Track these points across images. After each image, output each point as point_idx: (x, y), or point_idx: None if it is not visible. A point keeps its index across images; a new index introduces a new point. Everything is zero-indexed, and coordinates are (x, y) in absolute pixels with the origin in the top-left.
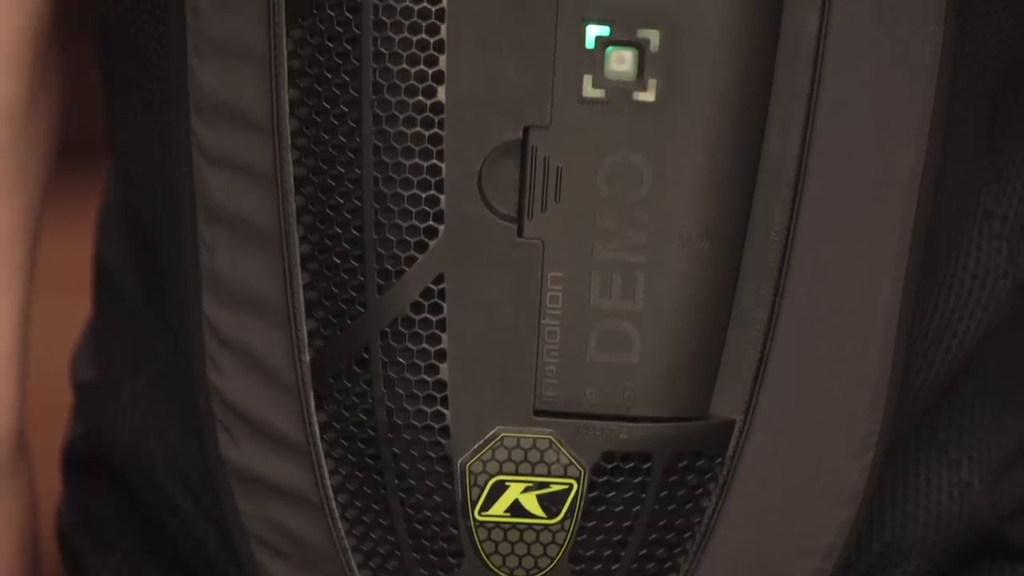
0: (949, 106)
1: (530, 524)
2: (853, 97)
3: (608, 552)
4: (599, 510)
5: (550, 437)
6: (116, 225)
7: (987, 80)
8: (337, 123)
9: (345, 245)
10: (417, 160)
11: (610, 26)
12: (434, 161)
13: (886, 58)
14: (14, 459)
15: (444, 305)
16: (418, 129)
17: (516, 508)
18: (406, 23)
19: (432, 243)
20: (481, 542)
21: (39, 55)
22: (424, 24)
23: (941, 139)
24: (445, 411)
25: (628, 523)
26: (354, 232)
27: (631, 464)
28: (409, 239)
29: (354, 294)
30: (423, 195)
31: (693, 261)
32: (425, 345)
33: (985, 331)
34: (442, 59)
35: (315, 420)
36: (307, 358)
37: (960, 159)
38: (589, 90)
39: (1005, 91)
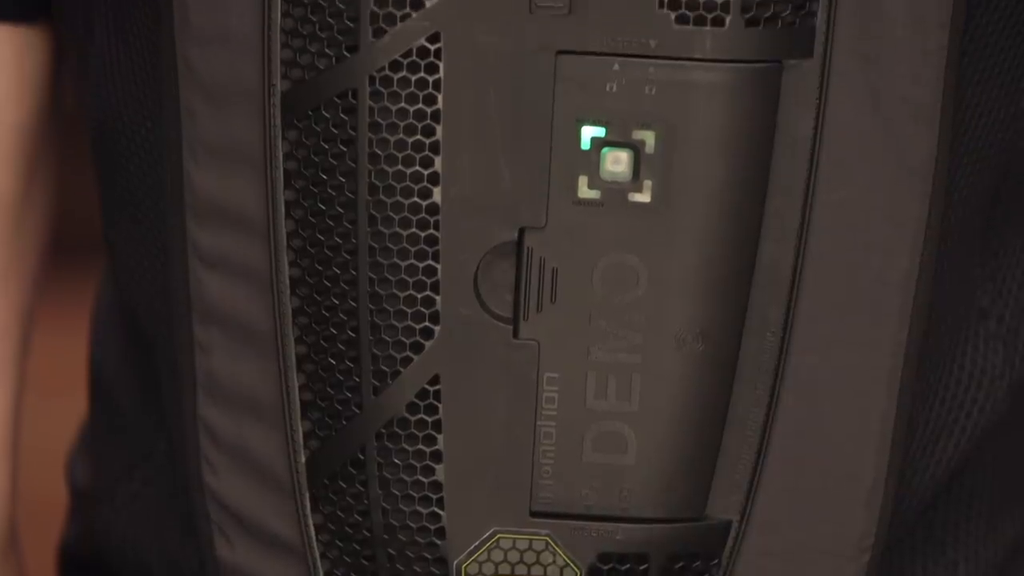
0: (945, 207)
1: None
2: (849, 198)
3: None
4: None
5: (546, 538)
6: (110, 325)
7: (983, 181)
8: (333, 224)
9: (340, 346)
10: (413, 261)
11: (605, 127)
12: (430, 262)
13: (882, 160)
14: (4, 554)
15: (440, 406)
16: (414, 230)
17: None
18: (402, 124)
19: (428, 344)
20: None
21: (33, 151)
22: (420, 125)
23: (937, 240)
24: (441, 512)
25: None
26: (350, 333)
27: (627, 565)
28: (405, 340)
29: (350, 395)
30: (419, 296)
31: (689, 362)
32: (421, 446)
33: (982, 432)
34: (438, 160)
35: (310, 521)
36: (302, 459)
37: (956, 259)
38: (584, 191)
39: (1001, 192)
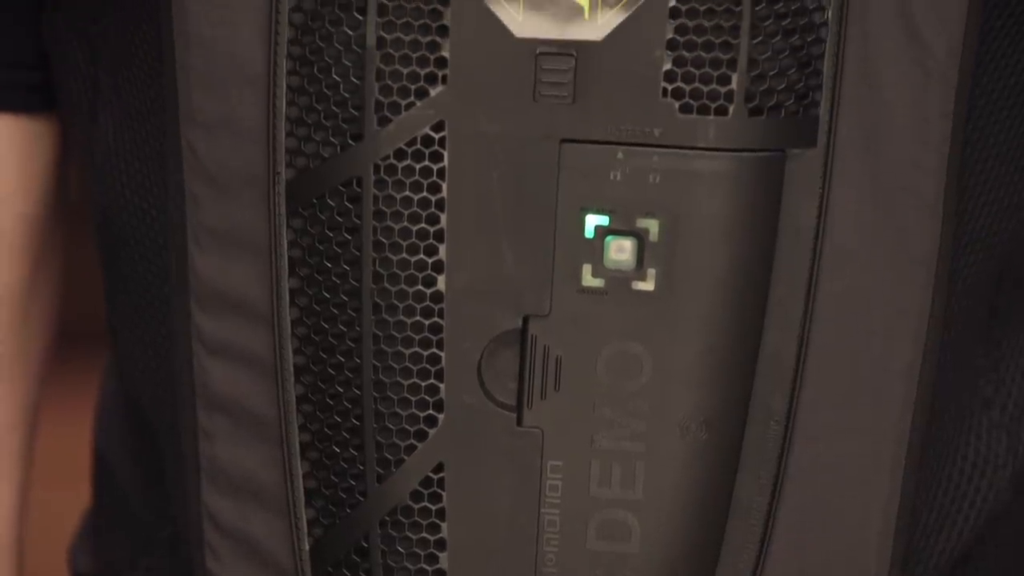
0: (948, 296)
1: None
2: (851, 287)
3: None
4: None
5: None
6: (114, 414)
7: (986, 270)
8: (337, 312)
9: (345, 434)
10: (417, 349)
11: (609, 216)
12: (434, 350)
13: (885, 249)
14: None
15: (444, 494)
16: (418, 318)
17: None
18: (406, 213)
19: (432, 432)
20: None
21: (39, 242)
22: (424, 214)
23: (940, 329)
24: None
25: None
26: (354, 421)
27: None
28: (409, 428)
29: (353, 483)
30: (423, 384)
31: (692, 451)
32: (425, 534)
33: (985, 521)
34: (442, 248)
35: None
36: (306, 547)
37: (959, 348)
38: (588, 279)
39: (1003, 281)
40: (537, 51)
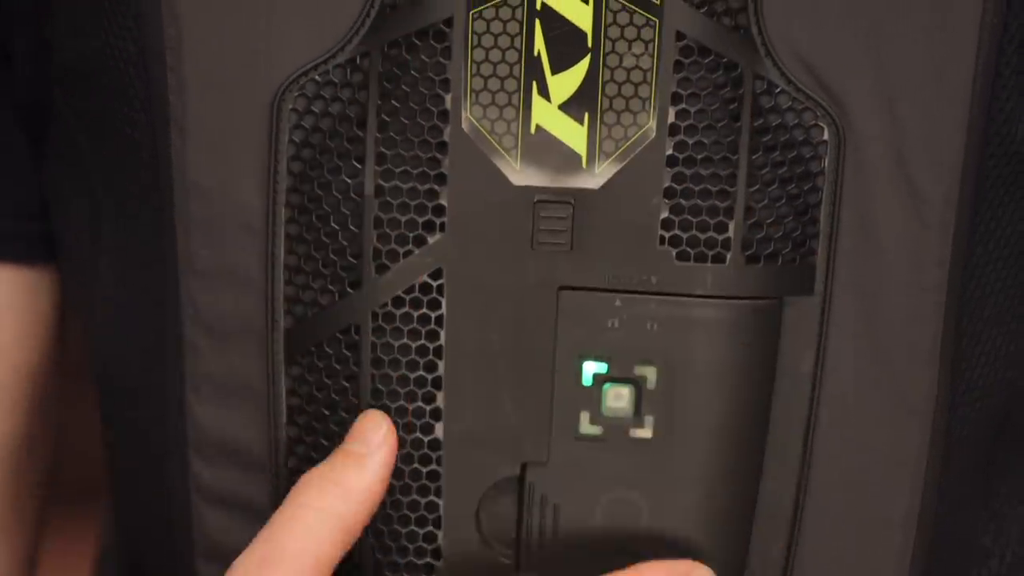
0: (946, 446)
1: None
2: (849, 436)
3: None
4: None
5: None
6: (113, 568)
7: (984, 419)
8: None
9: None
10: (415, 497)
11: (607, 363)
12: (432, 497)
13: (882, 398)
14: None
15: None
16: (416, 466)
17: None
18: (404, 360)
19: None
20: None
21: (36, 393)
22: (422, 361)
23: (937, 479)
24: None
25: None
26: (353, 569)
27: None
28: None
29: None
30: (420, 532)
31: None
32: None
33: None
34: (440, 396)
35: None
36: None
37: (958, 497)
38: (586, 427)
39: (1003, 431)
40: (535, 199)
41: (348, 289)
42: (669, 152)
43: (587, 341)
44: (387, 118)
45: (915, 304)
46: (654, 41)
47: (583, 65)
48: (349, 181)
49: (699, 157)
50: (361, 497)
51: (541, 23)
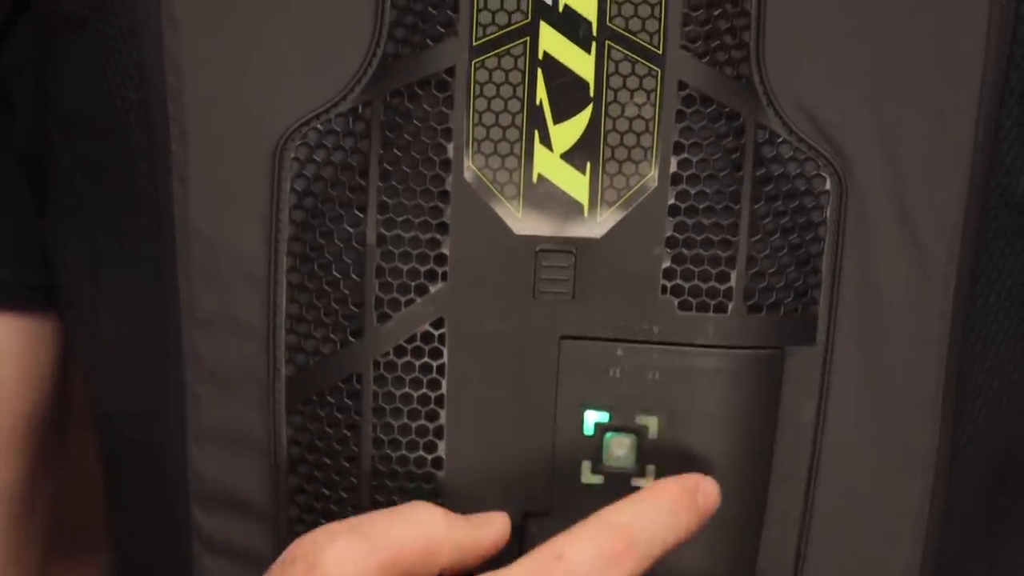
0: (947, 496)
1: None
2: (850, 485)
3: None
4: None
5: None
6: None
7: (986, 470)
8: (337, 510)
9: None
10: None
11: (609, 412)
12: None
13: (884, 448)
14: None
15: None
16: None
17: None
18: (405, 409)
19: None
20: None
21: (37, 442)
22: (423, 410)
23: (940, 529)
24: None
25: None
26: None
27: None
28: None
29: None
30: None
31: None
32: None
33: None
34: (441, 445)
35: None
36: None
37: (959, 546)
38: (588, 476)
39: (1006, 480)
40: (537, 248)
41: (350, 338)
42: (671, 201)
43: (589, 390)
44: (389, 167)
45: (917, 355)
46: (656, 91)
47: (585, 114)
48: (351, 230)
49: (701, 207)
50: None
51: (543, 72)
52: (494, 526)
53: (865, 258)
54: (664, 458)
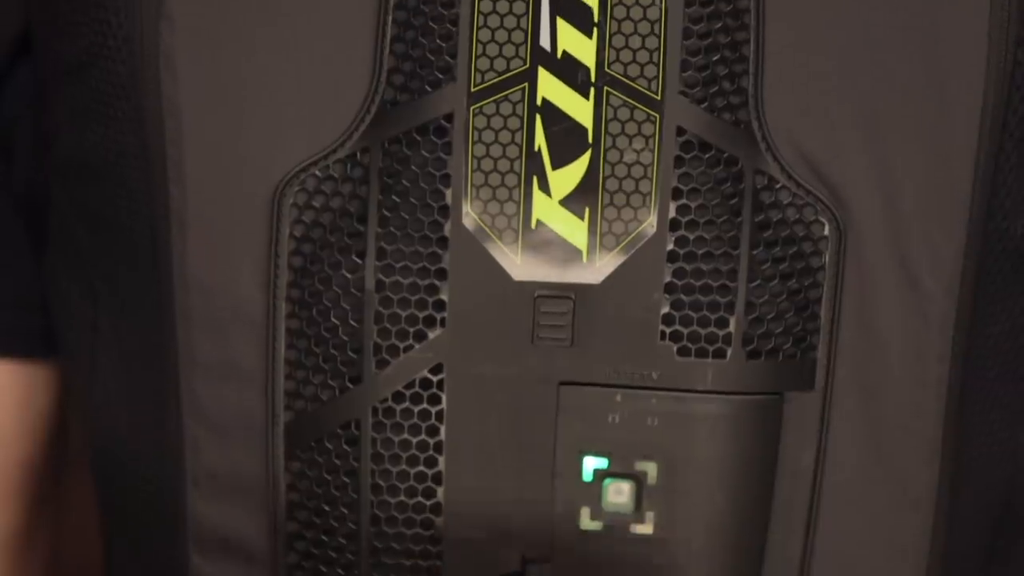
0: (947, 538)
1: None
2: (850, 529)
3: None
4: None
5: None
6: None
7: (985, 513)
8: (336, 556)
9: None
10: None
11: (608, 458)
12: None
13: (883, 492)
14: None
15: None
16: (416, 561)
17: None
18: (404, 455)
19: None
20: None
21: (36, 487)
22: (422, 456)
23: (939, 570)
24: None
25: None
26: None
27: None
28: None
29: None
30: None
31: None
32: None
33: None
34: (440, 491)
35: None
36: None
37: None
38: (587, 522)
39: (1004, 523)
40: (535, 294)
41: (348, 384)
42: (670, 247)
43: (588, 436)
44: (388, 213)
45: (916, 399)
46: (655, 136)
47: (584, 160)
48: (349, 276)
49: (700, 252)
50: None
51: (542, 118)
52: None
53: (864, 302)
54: (663, 504)
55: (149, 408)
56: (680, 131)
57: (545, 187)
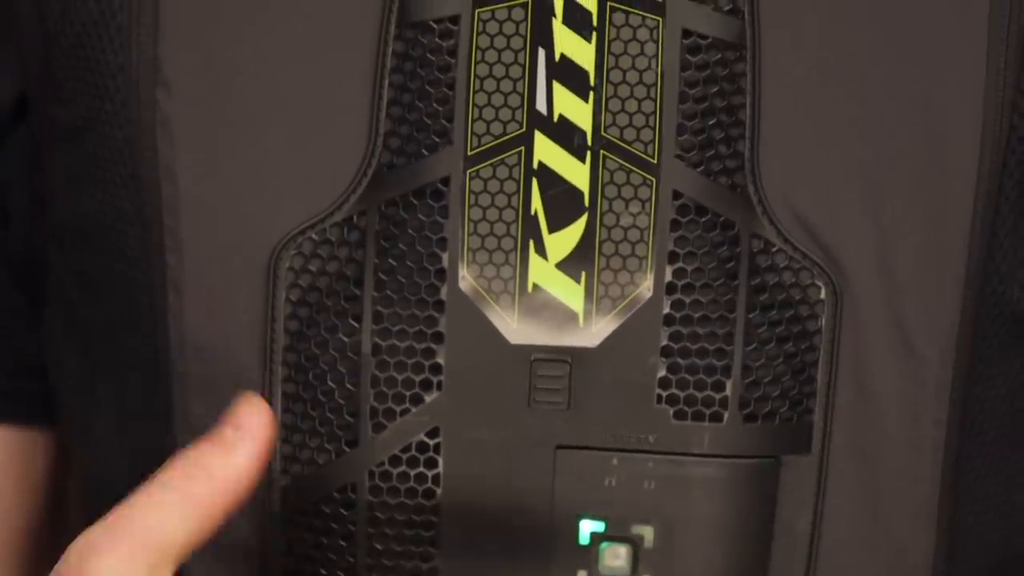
0: None
1: None
2: None
3: None
4: None
5: None
6: None
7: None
8: None
9: None
10: None
11: (604, 522)
12: None
13: (880, 557)
14: None
15: None
16: None
17: None
18: (401, 519)
19: None
20: None
21: (35, 553)
22: (419, 520)
23: None
24: None
25: None
26: None
27: None
28: None
29: None
30: None
31: None
32: None
33: None
34: (437, 555)
35: None
36: None
37: None
38: None
39: None
40: (532, 357)
41: (345, 448)
42: (666, 311)
43: (584, 500)
44: (384, 276)
45: (913, 463)
46: (651, 200)
47: (580, 224)
48: (346, 340)
49: (696, 316)
50: (224, 485)
51: (538, 182)
52: (246, 443)
53: (860, 366)
54: (660, 567)
55: (145, 470)
56: (676, 195)
57: (541, 250)
